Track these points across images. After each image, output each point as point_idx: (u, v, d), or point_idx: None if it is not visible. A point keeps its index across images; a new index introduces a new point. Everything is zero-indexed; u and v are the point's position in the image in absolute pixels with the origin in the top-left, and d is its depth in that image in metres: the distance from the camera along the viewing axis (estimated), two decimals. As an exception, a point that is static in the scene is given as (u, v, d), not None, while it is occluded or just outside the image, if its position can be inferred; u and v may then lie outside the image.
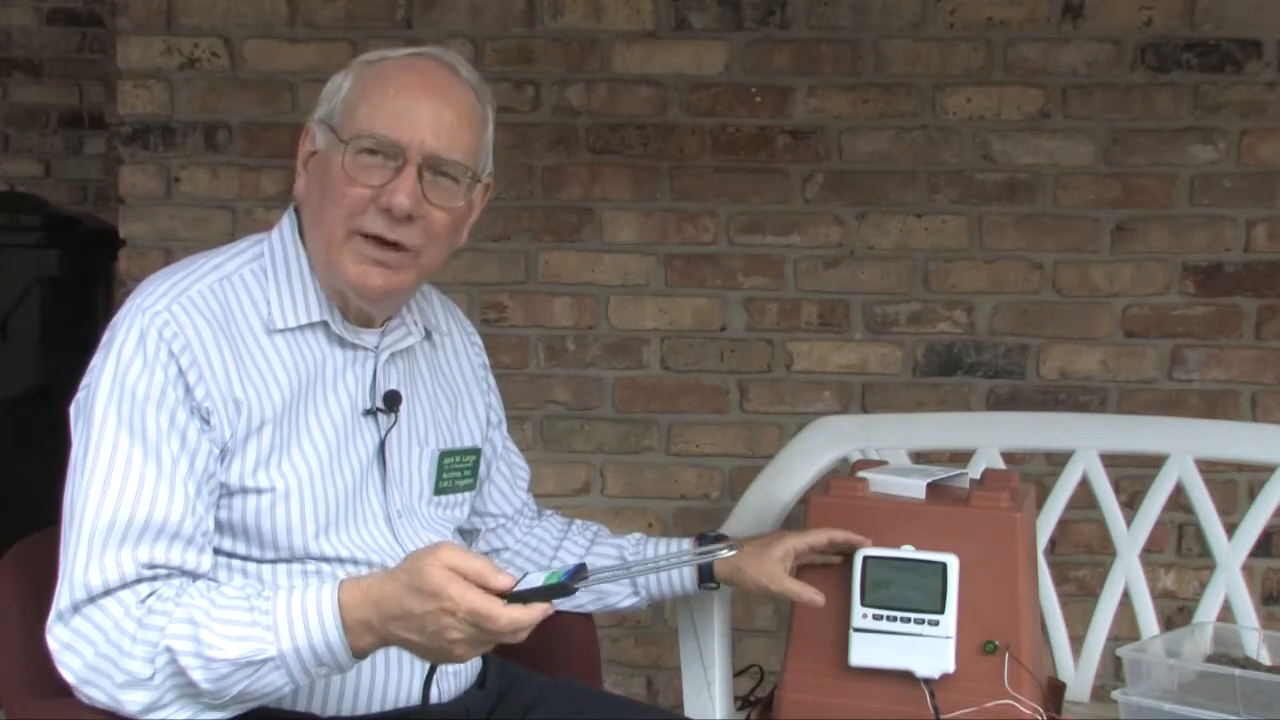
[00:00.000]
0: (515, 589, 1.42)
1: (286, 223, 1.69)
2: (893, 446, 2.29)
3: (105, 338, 1.60)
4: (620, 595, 1.99)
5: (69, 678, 1.50)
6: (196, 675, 1.45)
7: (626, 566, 1.81)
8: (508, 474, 1.96)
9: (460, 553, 1.44)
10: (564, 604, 1.95)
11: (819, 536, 1.89)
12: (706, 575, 1.96)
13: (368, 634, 1.45)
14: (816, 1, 2.93)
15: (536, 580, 1.45)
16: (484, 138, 1.69)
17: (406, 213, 1.59)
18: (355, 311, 1.68)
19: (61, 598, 1.51)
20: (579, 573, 1.45)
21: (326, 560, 1.62)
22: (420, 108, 1.61)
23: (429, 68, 1.65)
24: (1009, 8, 2.91)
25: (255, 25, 3.00)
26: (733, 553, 1.54)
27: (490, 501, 1.94)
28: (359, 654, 1.47)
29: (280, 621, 1.45)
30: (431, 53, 1.67)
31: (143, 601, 1.49)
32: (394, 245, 1.61)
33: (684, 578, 1.96)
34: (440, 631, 1.41)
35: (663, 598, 2.01)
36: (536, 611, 1.42)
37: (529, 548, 1.99)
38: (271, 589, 1.50)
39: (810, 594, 1.87)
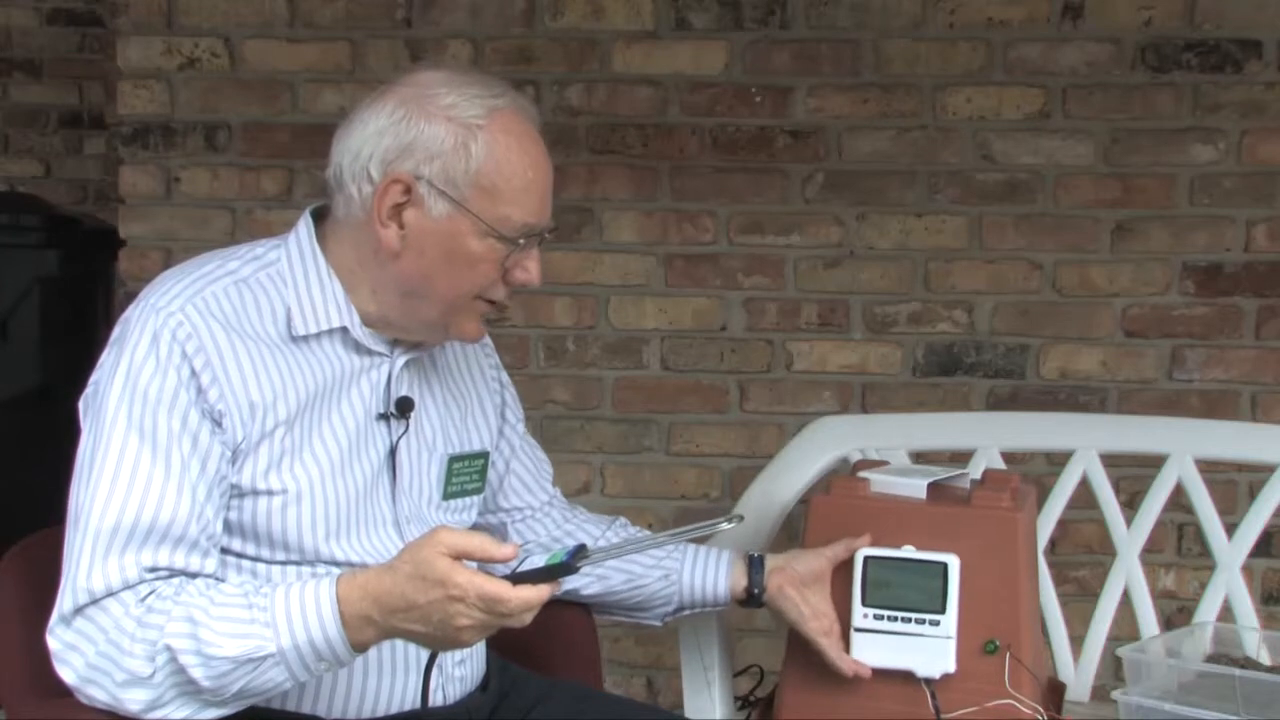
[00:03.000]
0: (518, 570, 1.43)
1: (303, 229, 1.67)
2: (893, 446, 2.29)
3: (116, 333, 1.59)
4: (648, 614, 1.99)
5: (69, 678, 1.50)
6: (196, 673, 1.45)
7: (624, 544, 1.79)
8: (530, 467, 1.94)
9: (457, 534, 1.45)
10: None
11: (837, 548, 1.87)
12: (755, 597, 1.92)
13: (368, 628, 1.46)
14: (816, 1, 2.93)
15: (538, 561, 1.46)
16: None
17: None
18: (376, 320, 1.67)
19: (64, 601, 1.50)
20: (580, 552, 1.46)
21: (336, 564, 1.61)
22: (547, 181, 1.65)
23: (532, 129, 1.65)
24: (1009, 8, 2.91)
25: (255, 25, 3.00)
26: (731, 525, 1.53)
27: (515, 495, 1.93)
28: (359, 648, 1.47)
29: (279, 618, 1.45)
30: (524, 105, 1.65)
31: (142, 600, 1.48)
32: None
33: (718, 592, 1.94)
34: (448, 619, 1.42)
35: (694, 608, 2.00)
36: (545, 591, 1.43)
37: (571, 538, 1.94)
38: (269, 585, 1.50)
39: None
